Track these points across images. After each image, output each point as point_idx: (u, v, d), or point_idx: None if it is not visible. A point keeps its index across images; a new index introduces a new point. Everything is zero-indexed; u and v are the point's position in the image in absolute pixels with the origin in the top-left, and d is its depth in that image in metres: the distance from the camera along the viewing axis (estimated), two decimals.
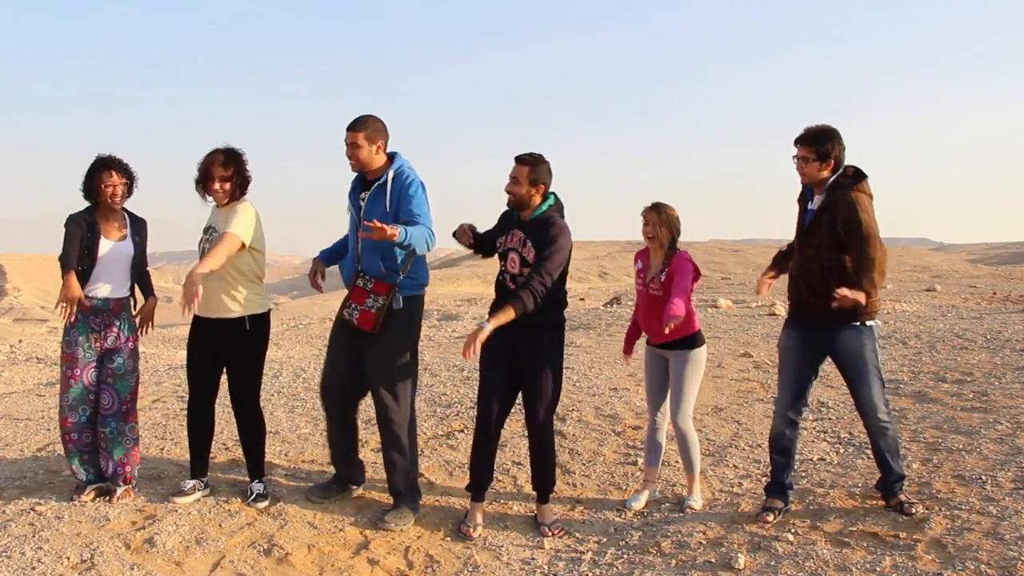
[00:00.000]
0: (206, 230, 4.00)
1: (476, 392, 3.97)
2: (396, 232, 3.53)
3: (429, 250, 3.83)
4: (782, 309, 12.14)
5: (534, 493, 4.01)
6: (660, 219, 3.96)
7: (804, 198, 3.81)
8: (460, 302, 23.10)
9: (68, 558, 3.30)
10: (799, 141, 3.70)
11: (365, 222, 3.60)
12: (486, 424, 3.82)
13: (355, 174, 3.97)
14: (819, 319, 3.68)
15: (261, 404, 4.11)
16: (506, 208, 3.92)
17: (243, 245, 3.83)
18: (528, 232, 3.77)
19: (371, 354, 3.88)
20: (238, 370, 4.00)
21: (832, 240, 3.60)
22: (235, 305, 3.89)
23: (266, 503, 3.97)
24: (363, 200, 3.87)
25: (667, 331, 3.81)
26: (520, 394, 3.90)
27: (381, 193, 3.81)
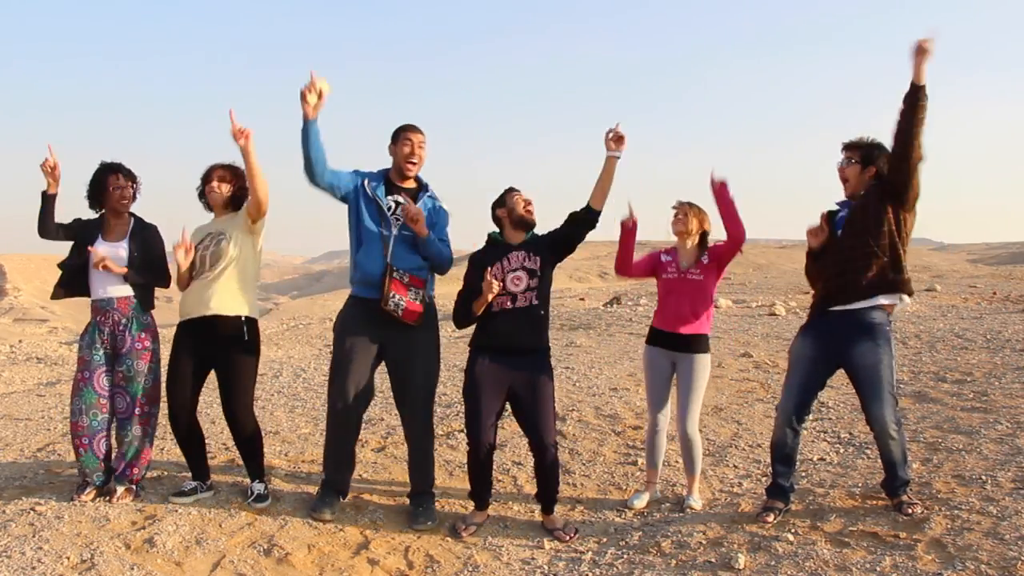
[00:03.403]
0: (206, 237, 3.95)
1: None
2: (427, 232, 3.81)
3: (443, 273, 4.02)
4: (782, 309, 12.13)
5: (534, 493, 4.01)
6: (692, 210, 4.06)
7: (831, 216, 3.79)
8: None
9: (68, 558, 3.30)
10: (848, 146, 3.74)
11: (410, 212, 3.74)
12: (480, 448, 3.79)
13: (375, 171, 3.97)
14: (858, 296, 3.60)
15: (261, 405, 4.10)
16: (486, 244, 3.95)
17: (262, 213, 3.88)
18: (527, 249, 3.84)
19: (407, 351, 3.89)
20: (232, 378, 3.90)
21: (877, 219, 3.57)
22: (236, 304, 3.88)
23: (266, 503, 3.97)
24: (394, 200, 3.88)
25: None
26: (517, 419, 3.90)
27: (424, 205, 3.90)
